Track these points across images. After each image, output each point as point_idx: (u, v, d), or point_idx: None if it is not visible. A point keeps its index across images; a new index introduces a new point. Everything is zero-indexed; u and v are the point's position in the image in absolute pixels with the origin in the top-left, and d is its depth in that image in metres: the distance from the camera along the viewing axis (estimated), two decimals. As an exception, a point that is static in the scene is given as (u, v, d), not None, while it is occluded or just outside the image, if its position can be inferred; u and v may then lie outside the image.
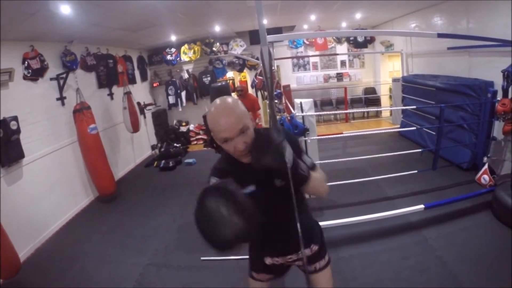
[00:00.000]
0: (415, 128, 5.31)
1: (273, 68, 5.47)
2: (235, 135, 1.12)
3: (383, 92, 8.50)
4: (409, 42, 6.77)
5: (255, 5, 1.73)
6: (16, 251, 3.14)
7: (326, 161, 4.16)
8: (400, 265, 2.76)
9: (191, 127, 8.37)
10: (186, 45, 7.58)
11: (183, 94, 7.97)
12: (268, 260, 1.56)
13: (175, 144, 7.44)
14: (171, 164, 6.34)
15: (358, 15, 6.50)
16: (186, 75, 8.04)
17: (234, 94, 6.16)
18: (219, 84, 3.43)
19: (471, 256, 2.74)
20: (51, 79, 4.46)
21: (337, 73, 8.85)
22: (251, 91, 7.50)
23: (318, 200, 3.87)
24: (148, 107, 7.45)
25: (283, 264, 1.58)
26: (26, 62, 4.02)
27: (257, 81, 7.32)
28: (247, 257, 1.67)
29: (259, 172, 1.11)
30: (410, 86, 6.21)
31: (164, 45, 7.48)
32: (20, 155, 3.68)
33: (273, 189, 1.26)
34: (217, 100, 1.18)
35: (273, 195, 1.27)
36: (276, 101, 5.45)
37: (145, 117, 7.27)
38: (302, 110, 3.62)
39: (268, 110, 7.15)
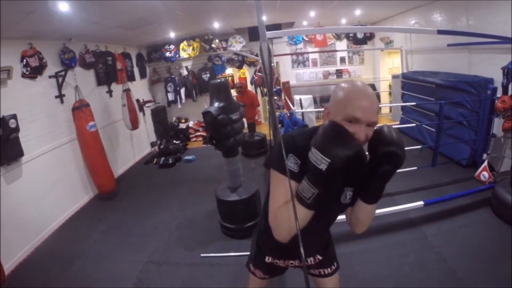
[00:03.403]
0: (414, 124, 5.30)
1: (272, 64, 5.45)
2: (366, 121, 1.02)
3: (383, 89, 8.49)
4: (409, 38, 6.75)
5: (254, 2, 1.72)
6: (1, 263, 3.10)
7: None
8: (399, 261, 2.77)
9: (191, 124, 8.36)
10: (185, 42, 7.54)
11: (182, 91, 7.95)
12: (269, 259, 1.56)
13: (174, 141, 7.43)
14: (170, 161, 6.34)
15: (357, 12, 6.46)
16: (185, 72, 8.02)
17: (233, 91, 6.14)
18: (218, 80, 3.41)
19: (471, 252, 2.76)
20: (50, 77, 4.44)
21: (337, 70, 8.83)
22: (250, 87, 7.47)
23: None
24: (147, 104, 7.44)
25: (282, 266, 1.58)
26: (25, 60, 3.99)
27: (256, 77, 7.30)
28: (247, 253, 1.68)
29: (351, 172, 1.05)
30: (410, 83, 6.20)
31: (163, 42, 7.44)
32: (19, 153, 3.67)
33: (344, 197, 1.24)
34: (359, 83, 1.10)
35: (337, 205, 1.27)
36: (275, 97, 5.44)
37: (144, 114, 7.25)
38: (301, 107, 3.63)
39: (267, 107, 7.15)
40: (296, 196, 1.06)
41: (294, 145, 1.12)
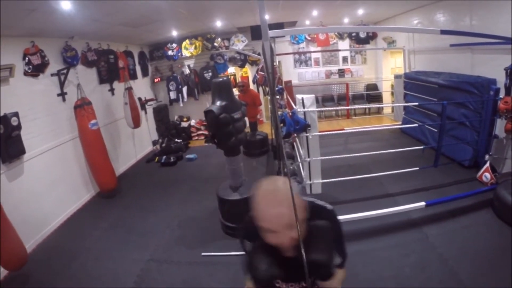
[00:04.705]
0: (417, 125, 5.29)
1: (274, 63, 5.45)
2: (281, 229, 0.95)
3: (385, 89, 8.47)
4: (412, 38, 6.73)
5: (257, 1, 1.72)
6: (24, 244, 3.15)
7: (327, 157, 4.14)
8: (401, 262, 2.77)
9: (192, 122, 8.37)
10: (187, 41, 7.55)
11: (185, 89, 7.96)
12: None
13: (176, 140, 7.44)
14: (172, 159, 6.35)
15: (360, 11, 6.44)
16: (187, 71, 8.02)
17: (235, 90, 6.13)
18: (221, 79, 3.41)
19: (472, 253, 2.75)
20: (52, 74, 4.44)
21: (339, 69, 8.81)
22: (252, 86, 7.47)
23: (320, 196, 3.86)
24: (149, 103, 7.44)
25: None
26: (27, 58, 4.00)
27: (258, 76, 7.28)
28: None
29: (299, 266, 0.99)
30: (412, 83, 6.17)
31: (166, 40, 7.45)
32: (21, 151, 3.68)
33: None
34: (267, 184, 1.01)
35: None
36: (277, 96, 5.43)
37: (146, 112, 7.26)
38: (303, 106, 3.60)
39: (269, 106, 7.14)
40: None
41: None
